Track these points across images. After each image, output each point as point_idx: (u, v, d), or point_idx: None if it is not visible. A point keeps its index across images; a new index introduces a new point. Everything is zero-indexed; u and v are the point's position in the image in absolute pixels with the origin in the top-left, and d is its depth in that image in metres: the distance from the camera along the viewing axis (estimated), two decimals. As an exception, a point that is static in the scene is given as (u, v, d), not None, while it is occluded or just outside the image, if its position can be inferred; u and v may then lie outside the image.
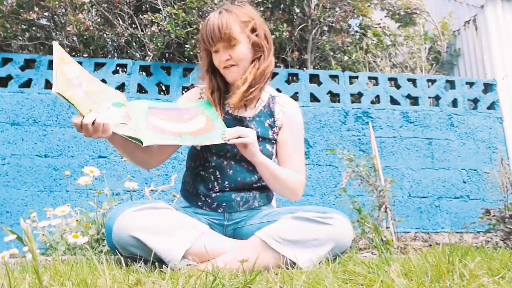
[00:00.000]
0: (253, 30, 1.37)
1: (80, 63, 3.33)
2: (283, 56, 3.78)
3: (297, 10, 3.85)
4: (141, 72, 3.42)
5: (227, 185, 1.34)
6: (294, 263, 1.13)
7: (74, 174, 3.01)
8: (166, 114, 1.34)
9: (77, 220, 1.98)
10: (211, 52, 1.39)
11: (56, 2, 3.34)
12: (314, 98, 3.50)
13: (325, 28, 4.01)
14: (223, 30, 1.30)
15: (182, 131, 1.30)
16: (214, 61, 1.39)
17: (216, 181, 1.35)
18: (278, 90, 3.47)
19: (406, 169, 3.40)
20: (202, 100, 1.46)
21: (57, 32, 3.55)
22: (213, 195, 1.34)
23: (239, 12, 1.36)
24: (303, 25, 3.82)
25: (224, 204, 1.34)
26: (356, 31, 4.39)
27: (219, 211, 1.34)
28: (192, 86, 3.33)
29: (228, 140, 1.23)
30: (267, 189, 1.42)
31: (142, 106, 1.34)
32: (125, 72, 3.40)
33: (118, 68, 3.45)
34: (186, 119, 1.34)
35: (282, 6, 3.81)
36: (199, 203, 1.35)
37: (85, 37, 3.46)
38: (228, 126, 1.31)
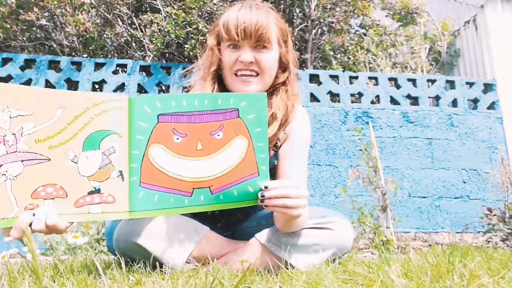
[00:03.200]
0: (285, 42, 1.16)
1: (80, 63, 3.34)
2: (283, 56, 3.78)
3: (297, 11, 3.86)
4: (141, 72, 3.42)
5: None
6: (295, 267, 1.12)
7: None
8: (183, 129, 0.86)
9: (77, 220, 1.98)
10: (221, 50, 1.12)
11: (56, 3, 3.34)
12: (314, 98, 3.50)
13: (325, 28, 4.01)
14: (261, 25, 1.06)
15: (198, 177, 0.87)
16: (226, 60, 1.10)
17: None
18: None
19: (406, 169, 3.40)
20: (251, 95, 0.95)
21: (57, 33, 3.55)
22: (211, 216, 1.28)
23: (277, 15, 1.15)
24: (303, 25, 3.82)
25: (224, 220, 1.31)
26: (357, 31, 4.39)
27: (219, 225, 1.32)
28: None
29: (267, 206, 0.90)
30: None
31: (147, 116, 0.85)
32: (125, 72, 3.40)
33: (118, 68, 3.45)
34: (214, 143, 0.87)
35: (282, 6, 3.81)
36: (196, 219, 1.31)
37: (84, 37, 3.46)
38: None
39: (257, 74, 1.10)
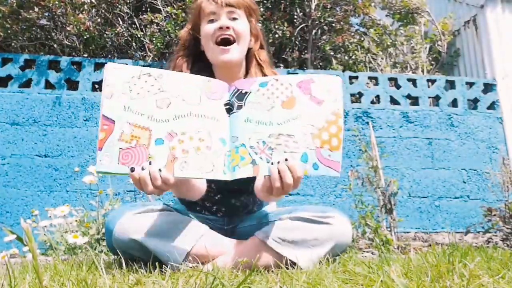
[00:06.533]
0: (252, 16, 1.31)
1: (80, 63, 3.34)
2: (283, 56, 3.78)
3: (298, 10, 3.85)
4: (141, 72, 3.42)
5: (225, 186, 1.32)
6: (295, 263, 1.13)
7: (74, 174, 3.01)
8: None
9: (76, 221, 1.98)
10: (198, 27, 1.26)
11: (56, 2, 3.34)
12: (314, 98, 3.50)
13: (326, 28, 4.01)
14: None
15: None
16: (207, 31, 1.22)
17: (213, 182, 1.30)
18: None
19: (406, 169, 3.40)
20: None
21: (57, 32, 3.55)
22: (212, 199, 1.31)
23: None
24: (304, 25, 3.82)
25: (223, 209, 1.33)
26: (357, 30, 4.39)
27: (219, 215, 1.33)
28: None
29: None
30: None
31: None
32: (125, 72, 3.40)
33: (118, 68, 3.45)
34: None
35: (282, 6, 3.80)
36: (198, 208, 1.33)
37: (85, 37, 3.46)
38: None
39: (234, 41, 1.21)
